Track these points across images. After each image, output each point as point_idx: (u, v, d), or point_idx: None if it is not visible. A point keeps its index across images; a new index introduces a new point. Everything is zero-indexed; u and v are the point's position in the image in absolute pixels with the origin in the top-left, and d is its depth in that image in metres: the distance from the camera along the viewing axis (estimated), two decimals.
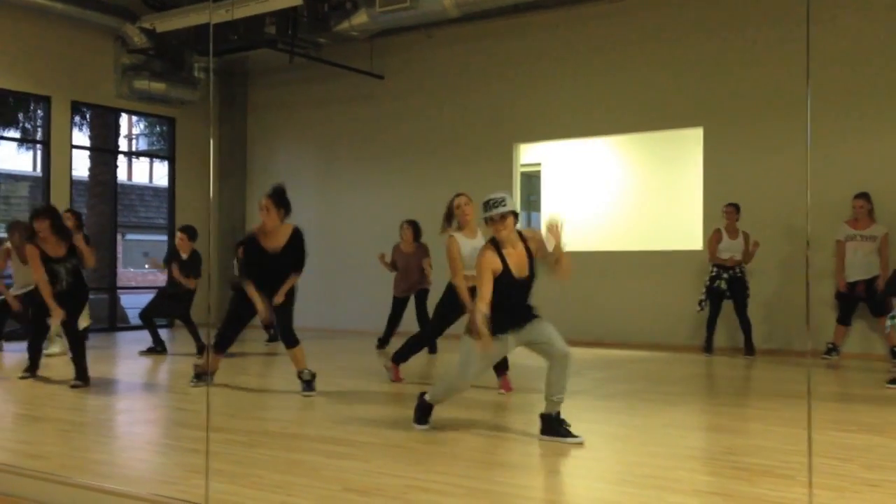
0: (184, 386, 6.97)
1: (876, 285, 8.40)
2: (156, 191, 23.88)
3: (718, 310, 9.21)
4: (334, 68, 11.97)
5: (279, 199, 6.46)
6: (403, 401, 6.40)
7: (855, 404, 6.20)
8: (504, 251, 4.76)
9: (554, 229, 4.79)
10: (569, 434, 4.79)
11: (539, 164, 13.01)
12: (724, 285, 9.05)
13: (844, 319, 8.65)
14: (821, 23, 8.96)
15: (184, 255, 9.27)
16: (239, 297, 6.68)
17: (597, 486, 4.02)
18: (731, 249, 9.08)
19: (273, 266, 6.49)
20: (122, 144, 16.34)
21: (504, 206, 4.69)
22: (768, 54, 9.43)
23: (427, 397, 5.19)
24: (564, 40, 10.90)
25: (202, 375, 6.92)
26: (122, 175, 21.43)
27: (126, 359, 9.22)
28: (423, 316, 9.30)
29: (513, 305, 4.82)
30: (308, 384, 6.62)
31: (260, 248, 6.49)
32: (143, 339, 9.79)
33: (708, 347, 9.30)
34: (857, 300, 8.57)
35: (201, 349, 8.98)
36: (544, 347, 4.86)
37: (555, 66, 10.95)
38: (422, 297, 9.39)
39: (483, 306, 4.60)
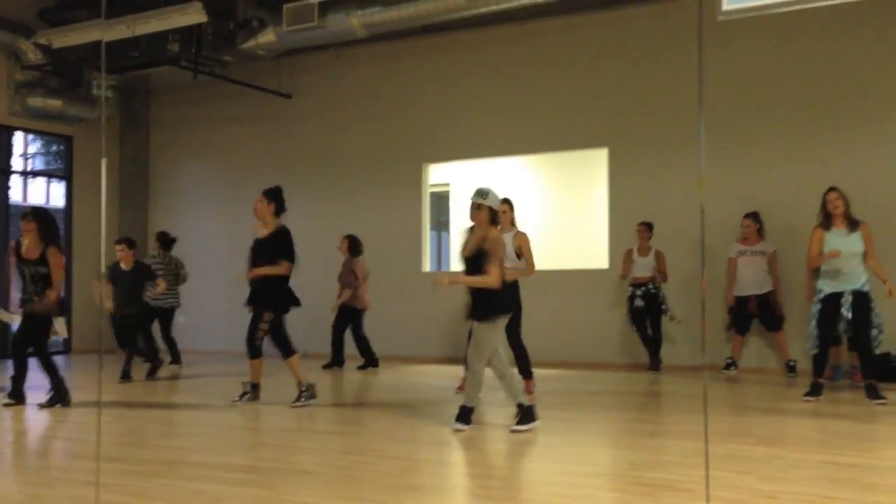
0: (78, 414, 6.68)
1: (769, 300, 8.73)
2: (53, 212, 22.97)
3: (645, 328, 9.38)
4: (241, 87, 11.78)
5: (271, 194, 7.10)
6: (310, 424, 6.29)
7: (752, 417, 6.40)
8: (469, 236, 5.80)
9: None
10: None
11: (448, 185, 13.07)
12: (640, 302, 9.28)
13: (740, 330, 8.93)
14: (715, 48, 9.31)
15: (125, 268, 9.00)
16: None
17: None
18: (641, 266, 9.33)
19: (258, 251, 7.01)
20: (17, 164, 15.67)
21: (481, 198, 5.71)
22: (668, 79, 9.74)
23: (466, 403, 5.76)
24: (472, 61, 11.02)
25: (248, 391, 7.16)
26: (16, 196, 20.53)
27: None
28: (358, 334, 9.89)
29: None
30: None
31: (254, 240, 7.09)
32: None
33: (655, 365, 9.29)
34: (749, 315, 8.87)
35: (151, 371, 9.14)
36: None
37: (463, 87, 11.05)
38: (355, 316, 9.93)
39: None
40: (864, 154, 8.87)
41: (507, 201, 7.24)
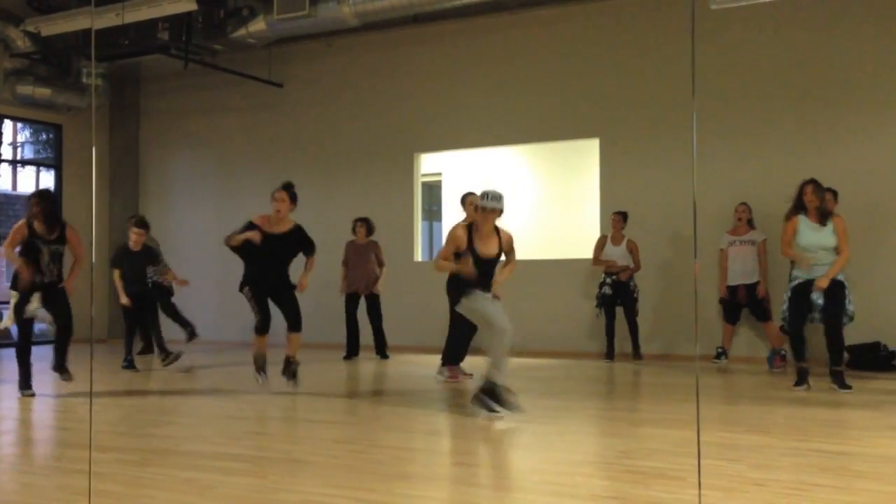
0: (71, 404, 6.67)
1: (757, 291, 8.76)
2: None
3: (612, 316, 9.44)
4: (231, 75, 11.73)
5: (294, 194, 7.12)
6: (303, 413, 6.30)
7: (742, 406, 6.44)
8: (476, 234, 5.91)
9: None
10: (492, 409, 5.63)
11: (440, 174, 13.05)
12: (609, 291, 9.33)
13: (730, 319, 8.99)
14: (707, 39, 9.32)
15: (136, 249, 8.93)
16: (255, 288, 7.09)
17: (495, 496, 4.03)
18: (613, 255, 9.37)
19: (277, 247, 7.00)
20: (6, 152, 15.57)
21: (498, 203, 5.88)
22: (660, 69, 9.75)
23: (498, 381, 5.65)
24: (464, 51, 11.00)
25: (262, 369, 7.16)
26: (5, 184, 20.42)
27: (8, 377, 8.75)
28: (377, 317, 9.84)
29: (481, 275, 5.92)
30: (293, 374, 7.13)
31: (264, 232, 6.95)
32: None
33: (609, 354, 9.45)
34: (739, 304, 8.92)
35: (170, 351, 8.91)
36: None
37: (454, 77, 11.03)
38: (373, 300, 9.82)
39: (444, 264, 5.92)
40: (856, 145, 8.91)
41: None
